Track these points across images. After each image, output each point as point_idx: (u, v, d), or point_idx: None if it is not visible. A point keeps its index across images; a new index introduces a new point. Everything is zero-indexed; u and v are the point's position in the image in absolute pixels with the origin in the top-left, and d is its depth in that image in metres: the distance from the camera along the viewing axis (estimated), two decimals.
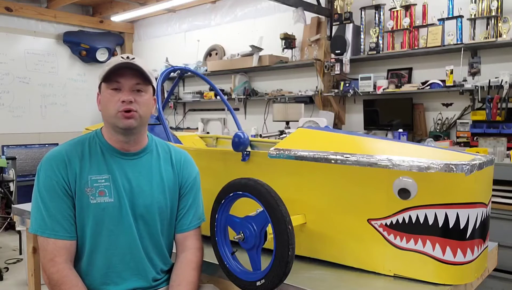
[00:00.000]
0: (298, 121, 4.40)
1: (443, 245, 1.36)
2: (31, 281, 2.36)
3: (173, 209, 1.58)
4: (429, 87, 3.97)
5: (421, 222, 1.37)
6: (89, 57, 6.67)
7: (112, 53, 6.81)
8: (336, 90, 4.59)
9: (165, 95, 4.46)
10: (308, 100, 4.88)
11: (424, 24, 4.05)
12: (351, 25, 4.39)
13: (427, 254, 1.38)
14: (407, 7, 4.15)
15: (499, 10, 3.63)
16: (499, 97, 3.49)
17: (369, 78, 4.32)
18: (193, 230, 1.59)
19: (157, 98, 2.08)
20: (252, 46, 4.99)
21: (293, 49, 4.98)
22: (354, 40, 4.42)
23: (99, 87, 1.49)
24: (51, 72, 6.48)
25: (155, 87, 1.56)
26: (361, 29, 4.47)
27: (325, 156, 1.43)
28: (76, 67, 6.74)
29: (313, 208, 1.58)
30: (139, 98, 1.46)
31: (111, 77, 1.43)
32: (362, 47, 4.49)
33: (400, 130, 4.09)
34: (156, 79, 1.65)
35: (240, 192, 1.42)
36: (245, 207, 1.47)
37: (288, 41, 4.90)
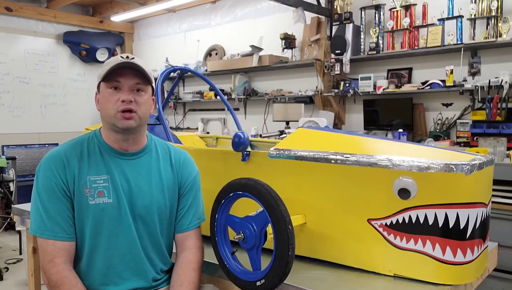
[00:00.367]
0: (298, 121, 4.40)
1: (443, 245, 1.36)
2: (31, 281, 2.36)
3: (172, 209, 1.57)
4: (429, 87, 3.97)
5: (421, 222, 1.37)
6: (89, 57, 6.67)
7: (112, 53, 6.81)
8: (336, 90, 4.59)
9: (165, 95, 4.47)
10: (308, 100, 4.88)
11: (424, 24, 4.05)
12: (351, 25, 4.39)
13: (427, 254, 1.38)
14: (407, 7, 4.15)
15: (499, 10, 3.63)
16: (499, 97, 3.49)
17: (369, 78, 4.32)
18: (193, 230, 1.59)
19: (157, 98, 2.08)
20: (252, 46, 4.99)
21: (293, 49, 4.99)
22: (354, 40, 4.42)
23: (98, 86, 1.49)
24: (51, 72, 6.48)
25: (155, 87, 1.56)
26: (361, 29, 4.47)
27: (325, 156, 1.43)
28: (76, 67, 6.74)
29: (313, 208, 1.57)
30: (139, 98, 1.46)
31: (110, 77, 1.43)
32: (362, 47, 4.49)
33: (400, 130, 4.09)
34: (156, 79, 1.65)
35: (240, 192, 1.42)
36: (245, 207, 1.47)
37: (288, 41, 4.90)
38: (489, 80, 3.59)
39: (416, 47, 4.07)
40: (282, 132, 4.45)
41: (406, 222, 1.39)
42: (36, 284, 2.35)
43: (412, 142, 2.16)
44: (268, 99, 5.29)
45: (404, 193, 1.37)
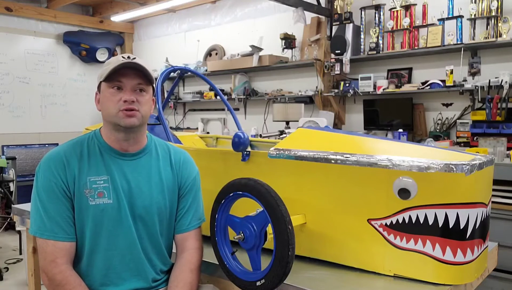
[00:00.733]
0: (298, 121, 4.40)
1: (443, 245, 1.36)
2: (31, 281, 2.36)
3: (172, 209, 1.57)
4: (429, 87, 3.97)
5: (421, 222, 1.37)
6: (89, 57, 6.67)
7: (112, 53, 6.81)
8: (336, 90, 4.59)
9: (165, 95, 4.47)
10: (308, 100, 4.88)
11: (424, 24, 4.05)
12: (351, 25, 4.39)
13: (427, 254, 1.38)
14: (407, 7, 4.15)
15: (499, 10, 3.64)
16: (499, 97, 3.49)
17: (369, 78, 4.32)
18: (192, 230, 1.58)
19: (157, 98, 2.08)
20: (252, 46, 4.99)
21: (293, 49, 4.99)
22: (354, 40, 4.42)
23: (98, 86, 1.49)
24: (51, 72, 6.48)
25: (155, 87, 1.56)
26: (361, 29, 4.47)
27: (325, 156, 1.43)
28: (76, 67, 6.74)
29: (313, 208, 1.57)
30: (141, 98, 1.46)
31: (112, 77, 1.42)
32: (362, 47, 4.49)
33: (400, 130, 4.09)
34: (156, 79, 1.65)
35: (240, 192, 1.42)
36: (245, 207, 1.47)
37: (288, 41, 4.90)
38: (489, 80, 3.59)
39: (416, 47, 4.07)
40: (282, 132, 4.45)
41: (406, 222, 1.39)
42: (36, 284, 2.35)
43: (412, 142, 2.16)
44: (268, 99, 5.29)
45: (404, 193, 1.37)
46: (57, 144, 5.85)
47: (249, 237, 1.40)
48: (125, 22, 7.04)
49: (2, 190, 4.75)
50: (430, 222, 1.36)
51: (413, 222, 1.38)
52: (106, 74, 1.42)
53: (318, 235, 1.57)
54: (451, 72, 3.81)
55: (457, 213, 1.34)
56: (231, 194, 1.45)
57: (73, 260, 1.45)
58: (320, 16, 4.80)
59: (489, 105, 3.51)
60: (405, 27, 4.11)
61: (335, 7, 4.54)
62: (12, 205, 2.63)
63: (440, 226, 1.35)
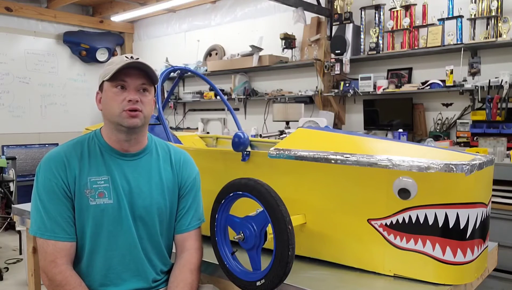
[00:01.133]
0: (298, 121, 4.40)
1: (443, 245, 1.36)
2: (31, 281, 2.36)
3: (172, 210, 1.57)
4: (429, 87, 3.97)
5: (421, 222, 1.37)
6: (89, 57, 6.67)
7: (112, 53, 6.81)
8: (336, 90, 4.59)
9: (165, 95, 4.47)
10: (308, 100, 4.88)
11: (424, 24, 4.05)
12: (351, 25, 4.39)
13: (427, 254, 1.38)
14: (407, 7, 4.15)
15: (499, 10, 3.64)
16: (499, 97, 3.49)
17: (369, 78, 4.32)
18: (192, 230, 1.58)
19: (157, 98, 2.08)
20: (252, 46, 4.99)
21: (293, 49, 4.99)
22: (354, 40, 4.42)
23: (100, 86, 1.49)
24: (51, 72, 6.48)
25: (156, 88, 1.56)
26: (361, 29, 4.47)
27: (325, 156, 1.43)
28: (76, 67, 6.74)
29: (313, 208, 1.57)
30: (144, 98, 1.46)
31: (116, 76, 1.42)
32: (362, 47, 4.49)
33: (400, 130, 4.09)
34: None
35: (240, 192, 1.42)
36: (245, 207, 1.47)
37: (288, 41, 4.90)
38: (489, 80, 3.59)
39: (416, 47, 4.07)
40: (282, 132, 4.45)
41: (406, 222, 1.39)
42: (36, 284, 2.35)
43: (412, 142, 2.16)
44: (268, 99, 5.29)
45: (404, 193, 1.37)
46: (57, 144, 5.85)
47: (249, 237, 1.40)
48: (125, 22, 7.04)
49: (2, 190, 4.75)
50: (430, 222, 1.36)
51: (413, 222, 1.38)
52: (111, 73, 1.41)
53: (318, 235, 1.57)
54: (451, 72, 3.81)
55: (457, 213, 1.34)
56: (231, 194, 1.45)
57: (73, 260, 1.44)
58: (320, 16, 4.81)
59: (489, 105, 3.51)
60: (405, 27, 4.11)
61: (335, 7, 4.54)
62: (12, 205, 2.63)
63: (440, 226, 1.35)
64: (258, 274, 1.39)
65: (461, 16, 3.82)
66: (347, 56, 4.38)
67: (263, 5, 5.44)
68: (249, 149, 1.71)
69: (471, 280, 1.43)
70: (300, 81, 5.12)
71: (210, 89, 5.85)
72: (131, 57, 1.44)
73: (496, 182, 1.95)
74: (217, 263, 1.52)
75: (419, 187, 1.35)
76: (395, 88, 4.18)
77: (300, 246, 1.49)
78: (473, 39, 3.78)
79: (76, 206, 1.43)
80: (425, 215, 1.36)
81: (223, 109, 5.91)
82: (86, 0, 6.50)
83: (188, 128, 6.31)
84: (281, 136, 4.31)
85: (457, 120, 3.94)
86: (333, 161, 1.42)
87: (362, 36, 4.48)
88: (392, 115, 4.27)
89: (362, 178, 1.45)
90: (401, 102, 4.21)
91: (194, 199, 1.61)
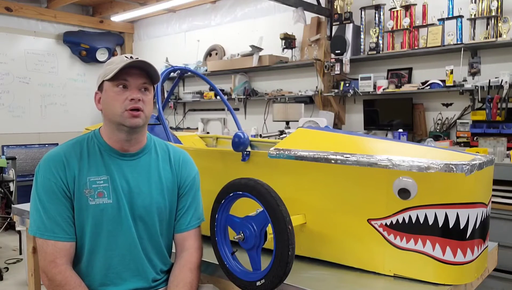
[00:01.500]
0: (298, 121, 4.40)
1: (443, 245, 1.35)
2: (31, 281, 2.36)
3: (172, 209, 1.57)
4: (429, 87, 3.97)
5: (421, 222, 1.37)
6: (89, 57, 6.67)
7: (112, 53, 6.81)
8: (336, 90, 4.59)
9: (165, 95, 4.46)
10: (308, 100, 4.88)
11: (424, 24, 4.05)
12: (351, 25, 4.39)
13: (427, 254, 1.38)
14: (407, 7, 4.15)
15: (499, 10, 3.64)
16: (499, 97, 3.49)
17: (369, 78, 4.32)
18: (192, 230, 1.58)
19: (157, 98, 2.08)
20: (252, 46, 4.99)
21: (293, 49, 4.99)
22: (354, 40, 4.42)
23: (100, 86, 1.49)
24: (51, 72, 6.48)
25: (155, 88, 1.56)
26: (361, 29, 4.47)
27: (325, 156, 1.43)
28: (76, 67, 6.74)
29: (313, 208, 1.57)
30: (145, 97, 1.46)
31: (118, 76, 1.42)
32: (362, 47, 4.49)
33: (400, 130, 4.09)
34: None
35: (240, 192, 1.42)
36: (245, 207, 1.47)
37: (288, 41, 4.90)
38: (489, 80, 3.59)
39: (416, 47, 4.07)
40: (282, 132, 4.45)
41: (406, 222, 1.39)
42: (36, 284, 2.35)
43: (412, 142, 2.16)
44: (268, 99, 5.29)
45: (404, 193, 1.37)
46: (57, 144, 5.85)
47: (249, 237, 1.40)
48: (125, 22, 7.04)
49: (2, 190, 4.75)
50: (430, 222, 1.36)
51: (413, 222, 1.38)
52: (113, 73, 1.41)
53: (318, 235, 1.57)
54: (451, 72, 3.81)
55: (457, 213, 1.34)
56: (231, 194, 1.45)
57: (73, 260, 1.44)
58: (320, 16, 4.81)
59: (489, 105, 3.51)
60: (405, 27, 4.11)
61: (335, 7, 4.54)
62: (12, 205, 2.63)
63: (440, 226, 1.35)
64: (258, 274, 1.39)
65: (461, 16, 3.82)
66: (347, 56, 4.38)
67: (263, 5, 5.44)
68: (249, 149, 1.71)
69: (471, 280, 1.43)
70: (300, 81, 5.12)
71: (210, 89, 5.85)
72: (131, 57, 1.44)
73: (496, 182, 1.95)
74: (217, 263, 1.52)
75: (419, 187, 1.35)
76: (395, 88, 4.18)
77: (300, 246, 1.49)
78: (473, 39, 3.78)
79: (76, 206, 1.43)
80: (425, 215, 1.36)
81: (223, 109, 5.91)
82: (86, 0, 6.50)
83: (188, 128, 6.31)
84: (281, 136, 4.31)
85: (457, 120, 3.94)
86: (333, 161, 1.41)
87: (362, 36, 4.48)
88: (392, 115, 4.27)
89: (362, 178, 1.45)
90: (401, 102, 4.21)
91: (194, 198, 1.61)
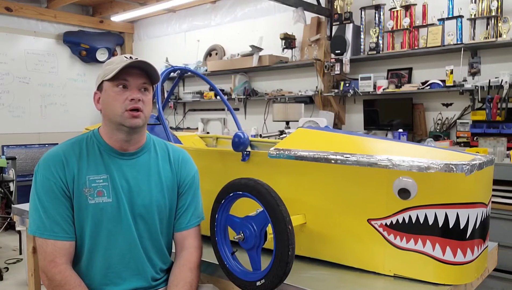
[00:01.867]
0: (298, 121, 4.40)
1: (443, 245, 1.35)
2: (31, 281, 2.36)
3: (172, 208, 1.57)
4: (429, 87, 3.97)
5: (421, 222, 1.37)
6: (89, 57, 6.67)
7: (112, 53, 6.81)
8: (336, 90, 4.59)
9: (165, 95, 4.47)
10: (308, 100, 4.88)
11: (424, 24, 4.05)
12: (351, 25, 4.39)
13: (427, 254, 1.38)
14: (407, 7, 4.15)
15: (499, 10, 3.64)
16: (499, 97, 3.49)
17: (369, 78, 4.32)
18: (192, 228, 1.58)
19: (157, 98, 2.08)
20: (252, 46, 4.99)
21: (293, 49, 4.99)
22: (354, 40, 4.42)
23: (99, 86, 1.49)
24: (51, 72, 6.48)
25: (154, 88, 1.56)
26: (361, 29, 4.47)
27: (325, 156, 1.43)
28: (76, 67, 6.74)
29: (313, 208, 1.57)
30: (145, 97, 1.47)
31: (118, 76, 1.42)
32: (362, 47, 4.49)
33: (400, 130, 4.09)
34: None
35: (240, 192, 1.42)
36: (245, 207, 1.47)
37: (288, 41, 4.90)
38: (489, 80, 3.59)
39: (416, 47, 4.07)
40: (282, 132, 4.45)
41: (406, 222, 1.39)
42: (36, 284, 2.35)
43: (412, 142, 2.16)
44: (268, 99, 5.29)
45: (404, 193, 1.37)
46: (57, 144, 5.84)
47: (249, 237, 1.40)
48: (125, 22, 7.04)
49: (2, 190, 4.75)
50: (430, 222, 1.36)
51: (413, 222, 1.38)
52: (114, 73, 1.41)
53: (318, 235, 1.57)
54: (451, 72, 3.81)
55: (457, 213, 1.34)
56: (231, 194, 1.45)
57: (72, 260, 1.44)
58: (320, 16, 4.81)
59: (489, 105, 3.51)
60: (405, 27, 4.11)
61: (335, 7, 4.54)
62: (12, 205, 2.63)
63: (440, 226, 1.35)
64: (258, 274, 1.39)
65: (461, 16, 3.82)
66: (347, 56, 4.38)
67: (263, 5, 5.44)
68: (249, 149, 1.71)
69: (471, 280, 1.43)
70: (300, 81, 5.12)
71: (210, 89, 5.85)
72: (130, 57, 1.44)
73: (496, 182, 1.95)
74: (217, 263, 1.52)
75: (419, 187, 1.35)
76: (395, 88, 4.18)
77: (300, 246, 1.49)
78: (473, 39, 3.78)
79: (75, 205, 1.43)
80: (425, 215, 1.36)
81: (223, 109, 5.91)
82: (86, 0, 6.50)
83: (188, 128, 6.31)
84: (281, 136, 4.31)
85: (457, 120, 3.94)
86: (333, 161, 1.41)
87: (362, 36, 4.48)
88: (392, 115, 4.27)
89: (362, 178, 1.45)
90: (401, 102, 4.21)
91: (193, 197, 1.61)
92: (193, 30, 6.31)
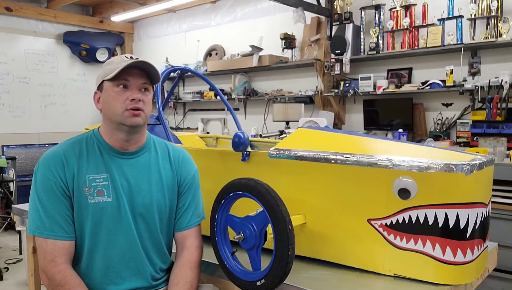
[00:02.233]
0: (298, 121, 4.40)
1: (443, 245, 1.36)
2: (31, 281, 2.36)
3: (172, 207, 1.57)
4: (429, 87, 3.97)
5: (421, 222, 1.37)
6: (89, 57, 6.67)
7: (112, 53, 6.81)
8: (336, 90, 4.59)
9: (165, 95, 4.46)
10: (308, 100, 4.88)
11: (424, 24, 4.05)
12: (351, 25, 4.39)
13: (427, 254, 1.38)
14: (407, 7, 4.15)
15: (499, 10, 3.64)
16: (499, 97, 3.49)
17: (369, 78, 4.32)
18: (192, 228, 1.58)
19: (157, 98, 2.08)
20: (252, 46, 4.99)
21: (293, 49, 4.99)
22: (354, 40, 4.42)
23: (99, 86, 1.49)
24: (51, 72, 6.48)
25: (154, 88, 1.56)
26: (361, 29, 4.47)
27: (325, 156, 1.43)
28: (76, 67, 6.74)
29: (313, 208, 1.57)
30: (145, 97, 1.47)
31: (119, 76, 1.42)
32: (362, 47, 4.49)
33: (400, 130, 4.09)
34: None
35: (240, 192, 1.42)
36: (245, 207, 1.47)
37: (288, 41, 4.90)
38: (489, 80, 3.59)
39: (416, 47, 4.07)
40: (282, 132, 4.45)
41: (406, 222, 1.39)
42: (36, 284, 2.35)
43: (412, 142, 2.16)
44: (268, 99, 5.29)
45: (404, 193, 1.37)
46: (57, 144, 5.84)
47: (249, 237, 1.40)
48: (125, 22, 7.04)
49: (2, 190, 4.75)
50: (430, 222, 1.36)
51: (413, 222, 1.38)
52: (114, 73, 1.41)
53: (318, 235, 1.57)
54: (451, 72, 3.81)
55: (457, 213, 1.34)
56: (231, 194, 1.45)
57: (72, 259, 1.44)
58: (320, 16, 4.81)
59: (489, 105, 3.51)
60: (405, 27, 4.11)
61: (335, 7, 4.54)
62: (12, 205, 2.63)
63: (440, 226, 1.35)
64: (258, 274, 1.39)
65: (461, 16, 3.82)
66: (347, 56, 4.38)
67: (263, 5, 5.44)
68: (249, 149, 1.71)
69: (471, 280, 1.43)
70: (300, 81, 5.12)
71: (210, 89, 5.85)
72: (131, 57, 1.45)
73: (496, 182, 1.95)
74: (217, 263, 1.52)
75: (419, 187, 1.35)
76: (395, 88, 4.18)
77: (300, 246, 1.49)
78: (473, 39, 3.78)
79: (75, 204, 1.42)
80: (425, 215, 1.36)
81: (223, 109, 5.91)
82: (86, 0, 6.50)
83: (188, 128, 6.31)
84: (281, 136, 4.31)
85: (457, 120, 3.94)
86: (333, 161, 1.41)
87: (362, 36, 4.48)
88: (392, 115, 4.27)
89: (362, 178, 1.45)
90: (401, 102, 4.21)
91: (194, 196, 1.61)
92: (193, 30, 6.31)
